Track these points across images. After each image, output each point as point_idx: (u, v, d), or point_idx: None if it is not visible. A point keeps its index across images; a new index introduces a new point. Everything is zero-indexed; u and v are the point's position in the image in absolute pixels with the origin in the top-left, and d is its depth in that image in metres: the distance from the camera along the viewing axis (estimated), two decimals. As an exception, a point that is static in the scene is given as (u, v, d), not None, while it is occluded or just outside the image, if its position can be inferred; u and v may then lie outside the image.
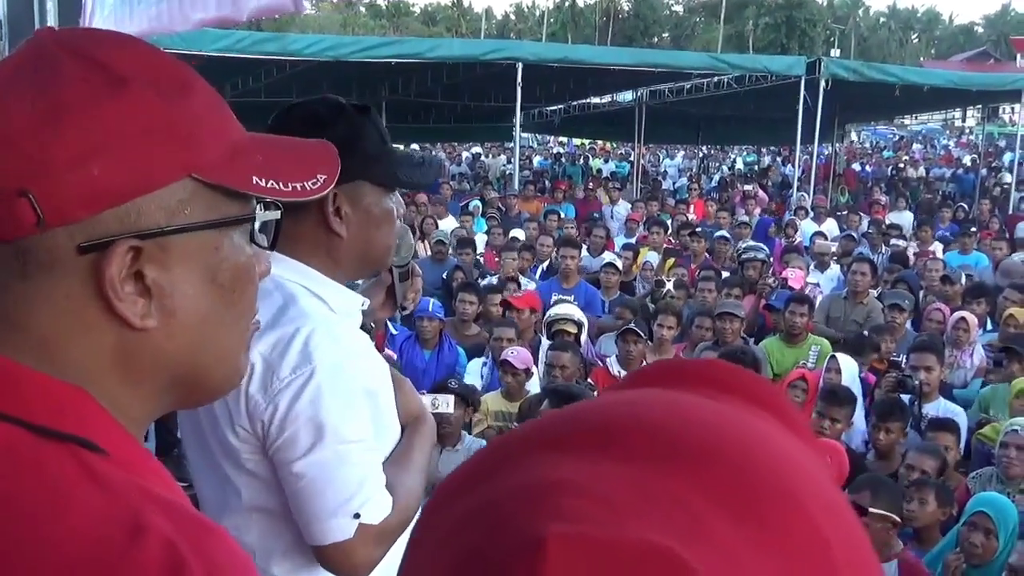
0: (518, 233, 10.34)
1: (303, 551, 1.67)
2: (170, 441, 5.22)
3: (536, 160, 28.36)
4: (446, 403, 4.28)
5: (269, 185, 0.85)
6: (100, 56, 0.79)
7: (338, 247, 1.72)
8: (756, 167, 28.59)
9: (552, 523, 0.37)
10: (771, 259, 8.92)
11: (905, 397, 5.10)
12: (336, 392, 1.58)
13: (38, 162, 0.74)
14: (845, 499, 0.45)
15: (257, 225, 0.90)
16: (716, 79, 16.56)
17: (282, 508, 1.65)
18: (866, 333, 6.48)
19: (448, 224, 11.07)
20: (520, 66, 13.15)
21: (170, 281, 0.80)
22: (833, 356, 5.71)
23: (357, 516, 1.58)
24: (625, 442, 0.42)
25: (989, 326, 7.27)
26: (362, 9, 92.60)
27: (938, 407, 5.22)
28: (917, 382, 5.15)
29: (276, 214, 0.92)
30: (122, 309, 0.78)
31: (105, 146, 0.76)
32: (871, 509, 3.54)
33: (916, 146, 40.35)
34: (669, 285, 7.84)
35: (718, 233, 10.28)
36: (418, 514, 0.47)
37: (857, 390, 5.34)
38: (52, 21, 4.41)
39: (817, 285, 8.74)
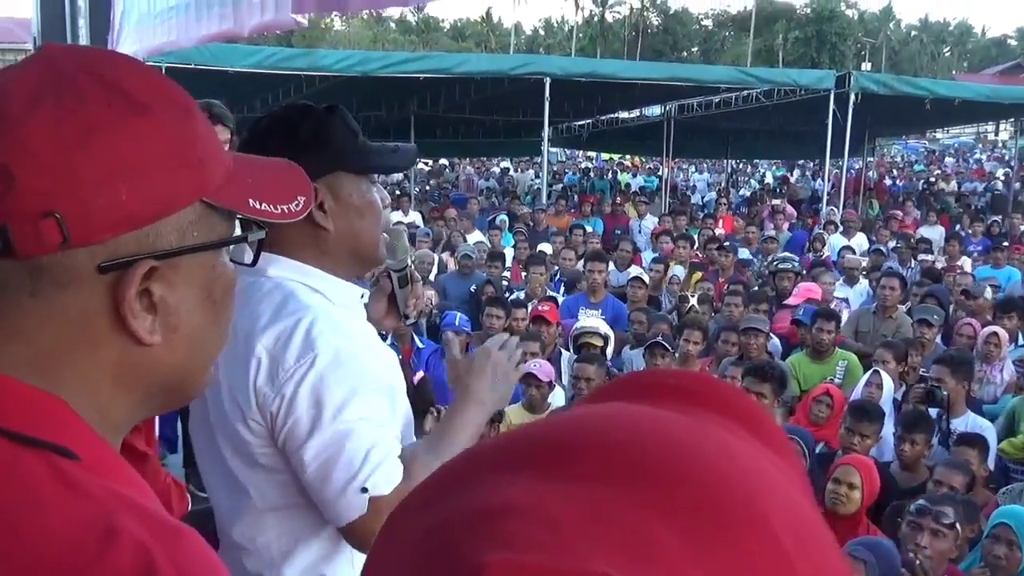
0: (546, 247, 10.35)
1: (319, 547, 1.70)
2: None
3: (566, 175, 28.40)
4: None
5: (263, 208, 0.90)
6: (121, 81, 0.81)
7: (327, 241, 1.76)
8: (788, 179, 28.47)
9: (493, 550, 0.36)
10: (804, 271, 8.88)
11: (933, 412, 5.06)
12: (339, 375, 1.61)
13: (67, 184, 0.76)
14: (817, 514, 0.44)
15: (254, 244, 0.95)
16: (745, 93, 16.53)
17: (295, 504, 1.68)
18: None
19: (475, 239, 11.11)
20: (548, 81, 13.19)
21: (176, 299, 0.84)
22: (876, 371, 5.67)
23: (365, 491, 1.60)
24: (581, 461, 0.41)
25: (1021, 340, 7.18)
26: (392, 25, 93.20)
27: (967, 422, 5.16)
28: (945, 394, 5.10)
29: (261, 234, 0.96)
30: (135, 326, 0.81)
31: (131, 170, 0.78)
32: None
33: (949, 160, 40.00)
34: (693, 300, 7.82)
35: (741, 255, 10.24)
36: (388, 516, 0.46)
37: (889, 407, 5.32)
38: (84, 39, 4.48)
39: (845, 300, 8.68)
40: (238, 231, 0.93)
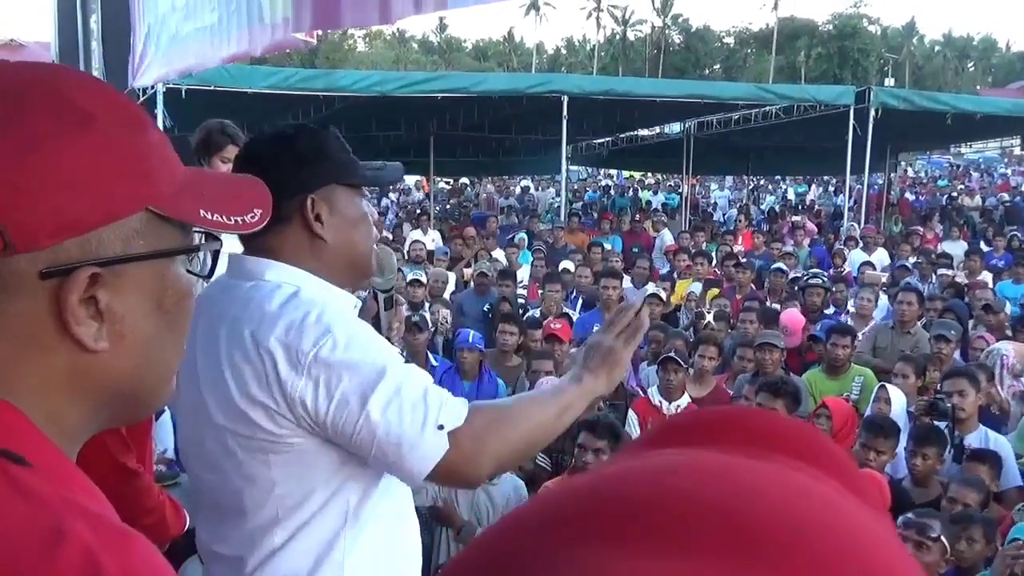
0: (568, 264, 10.35)
1: (328, 550, 1.70)
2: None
3: (587, 193, 28.44)
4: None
5: (215, 218, 0.91)
6: (67, 93, 0.84)
7: (324, 251, 1.82)
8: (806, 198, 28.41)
9: None
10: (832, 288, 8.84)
11: (942, 425, 5.01)
12: (363, 345, 1.66)
13: (9, 192, 0.78)
14: (916, 565, 0.41)
15: (206, 253, 0.95)
16: (764, 110, 16.51)
17: (312, 498, 1.70)
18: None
19: (498, 258, 11.16)
20: (565, 99, 13.23)
21: (122, 306, 0.85)
22: (883, 386, 5.62)
23: (441, 427, 1.63)
24: (688, 530, 0.36)
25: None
26: (414, 45, 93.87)
27: (980, 437, 5.11)
28: (949, 405, 5.05)
29: (217, 245, 0.97)
30: (79, 332, 0.82)
31: (74, 179, 0.80)
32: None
33: (974, 174, 39.73)
34: (709, 317, 7.80)
35: (775, 266, 10.19)
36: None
37: (904, 422, 5.27)
38: (97, 62, 4.56)
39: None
40: (206, 244, 0.95)
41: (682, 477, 0.39)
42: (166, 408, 2.15)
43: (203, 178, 0.97)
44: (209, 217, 0.91)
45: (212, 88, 10.41)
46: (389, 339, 2.05)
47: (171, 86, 9.27)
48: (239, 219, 0.94)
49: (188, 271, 0.94)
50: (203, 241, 0.95)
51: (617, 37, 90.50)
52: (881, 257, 12.27)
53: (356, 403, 1.61)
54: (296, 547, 1.70)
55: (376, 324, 2.09)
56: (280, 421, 1.65)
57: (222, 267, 2.02)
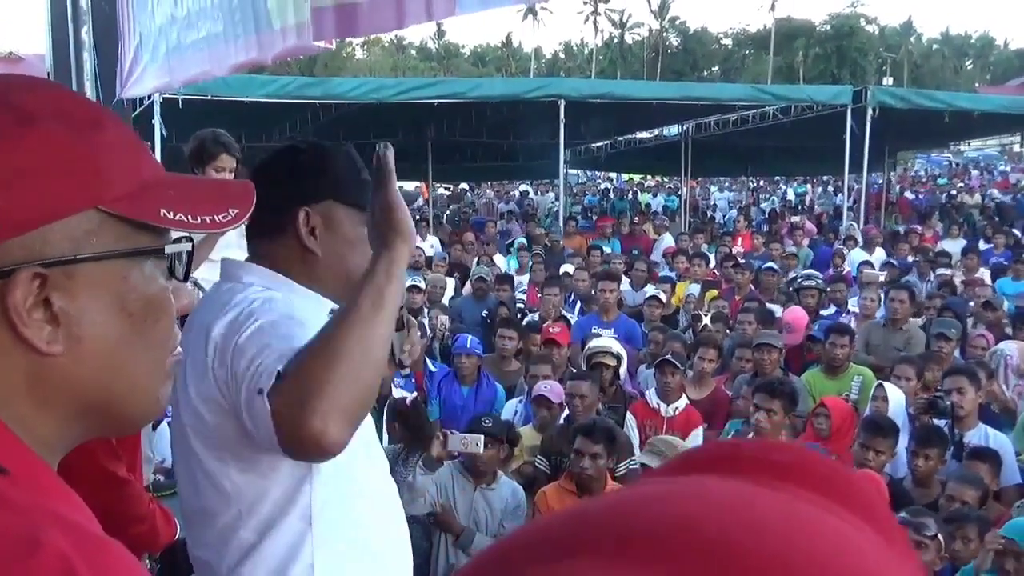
0: (568, 268, 10.35)
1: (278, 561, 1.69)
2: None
3: (586, 196, 28.44)
4: (475, 443, 4.25)
5: (177, 218, 0.88)
6: (9, 97, 0.83)
7: (315, 265, 1.81)
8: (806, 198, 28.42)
9: None
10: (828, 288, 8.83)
11: (942, 423, 5.00)
12: (277, 327, 1.60)
13: None
14: None
15: (183, 257, 0.93)
16: (762, 110, 16.51)
17: (268, 495, 1.69)
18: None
19: (499, 263, 11.17)
20: (562, 103, 13.24)
21: (77, 308, 0.83)
22: (880, 385, 5.61)
23: (261, 391, 1.49)
24: (732, 562, 0.35)
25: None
26: (412, 52, 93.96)
27: (979, 434, 5.10)
28: (949, 403, 5.05)
29: (187, 246, 0.95)
30: (28, 335, 0.81)
31: (9, 178, 0.79)
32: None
33: (974, 172, 39.72)
34: (706, 319, 7.80)
35: (766, 264, 10.19)
36: None
37: (903, 421, 5.26)
38: (89, 72, 4.56)
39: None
40: (171, 245, 0.92)
41: (688, 502, 0.38)
42: (167, 416, 2.14)
43: (179, 181, 0.95)
44: (170, 216, 0.88)
45: (209, 97, 10.43)
46: (401, 361, 1.93)
47: (168, 96, 9.28)
48: (207, 218, 0.91)
49: (173, 276, 0.92)
50: (169, 243, 0.92)
51: (615, 40, 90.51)
52: (880, 256, 12.27)
53: (242, 382, 1.56)
54: (266, 549, 1.69)
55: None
56: (221, 414, 1.65)
57: (213, 271, 2.03)
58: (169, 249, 0.92)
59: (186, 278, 0.95)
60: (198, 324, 1.73)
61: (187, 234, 0.94)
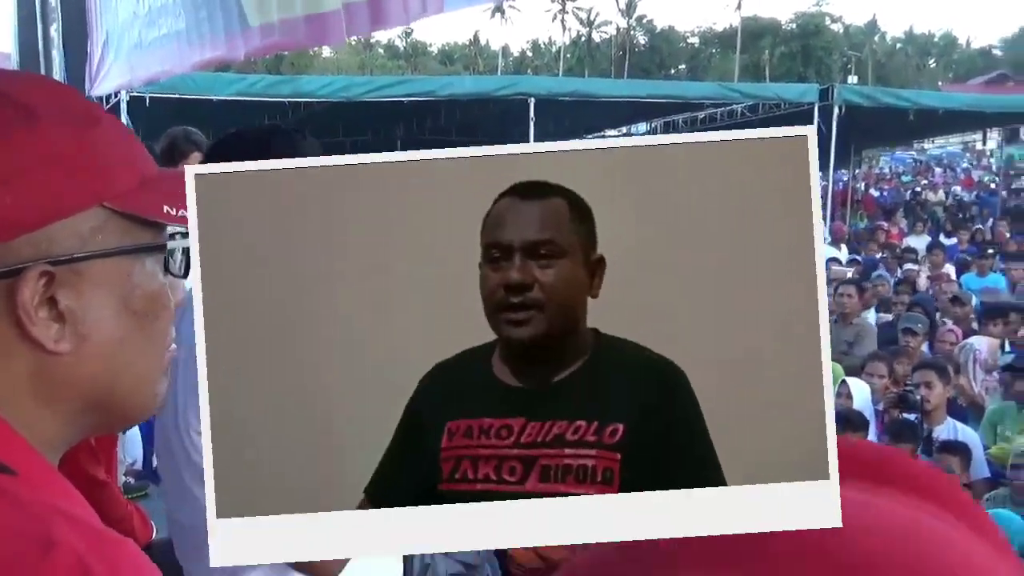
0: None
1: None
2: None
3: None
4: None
5: (180, 214, 0.87)
6: (10, 91, 0.82)
7: None
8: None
9: None
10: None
11: (912, 416, 5.06)
12: None
13: None
14: None
15: (181, 253, 0.92)
16: (729, 108, 16.62)
17: None
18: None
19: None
20: (532, 101, 13.25)
21: (83, 306, 0.82)
22: (844, 381, 5.66)
23: None
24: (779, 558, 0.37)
25: (1007, 348, 7.19)
26: (380, 51, 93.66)
27: (948, 429, 5.16)
28: (919, 397, 5.11)
29: (186, 242, 0.94)
30: (36, 333, 0.80)
31: (16, 176, 0.78)
32: None
33: (937, 169, 40.19)
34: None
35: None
36: None
37: (870, 414, 5.31)
38: (58, 70, 4.51)
39: (830, 311, 8.70)
40: (173, 242, 0.92)
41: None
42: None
43: (174, 176, 0.94)
44: (174, 213, 0.87)
45: (177, 96, 10.34)
46: None
47: (135, 94, 9.19)
48: None
49: (167, 271, 0.91)
50: (173, 239, 0.92)
51: (582, 39, 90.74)
52: (844, 254, 12.39)
53: None
54: None
55: None
56: None
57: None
58: (171, 245, 0.92)
59: (186, 274, 0.95)
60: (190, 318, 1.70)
61: (184, 229, 0.93)
